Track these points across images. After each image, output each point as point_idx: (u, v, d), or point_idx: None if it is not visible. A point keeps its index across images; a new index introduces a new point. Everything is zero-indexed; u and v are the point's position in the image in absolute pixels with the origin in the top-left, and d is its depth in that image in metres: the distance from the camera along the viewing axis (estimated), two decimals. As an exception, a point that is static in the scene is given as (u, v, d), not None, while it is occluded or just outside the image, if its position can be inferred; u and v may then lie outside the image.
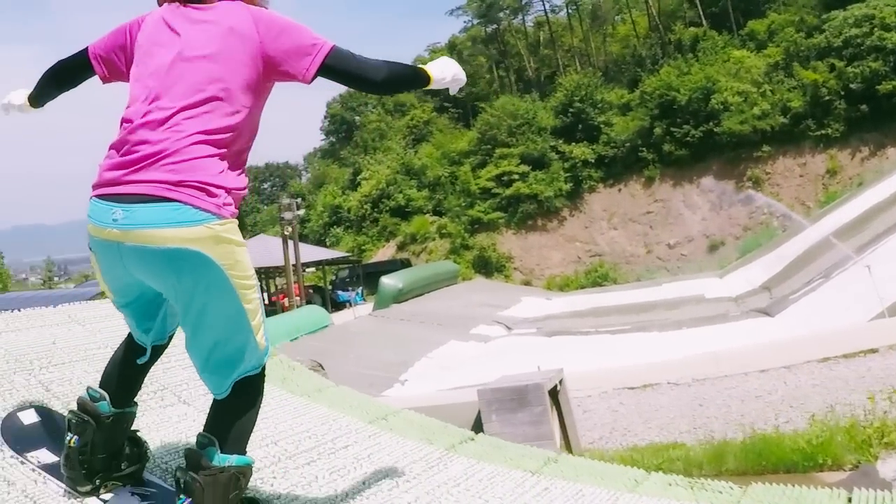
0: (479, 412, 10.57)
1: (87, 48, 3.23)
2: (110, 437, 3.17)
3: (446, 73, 3.14)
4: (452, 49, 79.18)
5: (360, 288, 47.55)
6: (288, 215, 39.64)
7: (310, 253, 45.99)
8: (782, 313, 22.45)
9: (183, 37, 2.91)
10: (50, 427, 3.58)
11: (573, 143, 57.44)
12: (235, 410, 2.95)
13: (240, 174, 2.90)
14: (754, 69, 53.36)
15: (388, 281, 31.99)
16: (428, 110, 74.84)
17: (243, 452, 2.91)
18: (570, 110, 58.17)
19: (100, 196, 2.79)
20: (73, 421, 3.14)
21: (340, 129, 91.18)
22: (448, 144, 64.98)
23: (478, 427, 9.06)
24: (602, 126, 57.40)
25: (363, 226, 64.65)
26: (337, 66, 2.94)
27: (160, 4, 3.08)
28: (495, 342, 24.05)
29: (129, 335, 3.23)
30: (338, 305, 42.32)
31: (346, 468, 3.66)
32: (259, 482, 3.46)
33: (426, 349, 22.38)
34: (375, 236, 63.26)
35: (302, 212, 45.87)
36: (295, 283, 39.52)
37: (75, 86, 3.41)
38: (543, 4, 73.58)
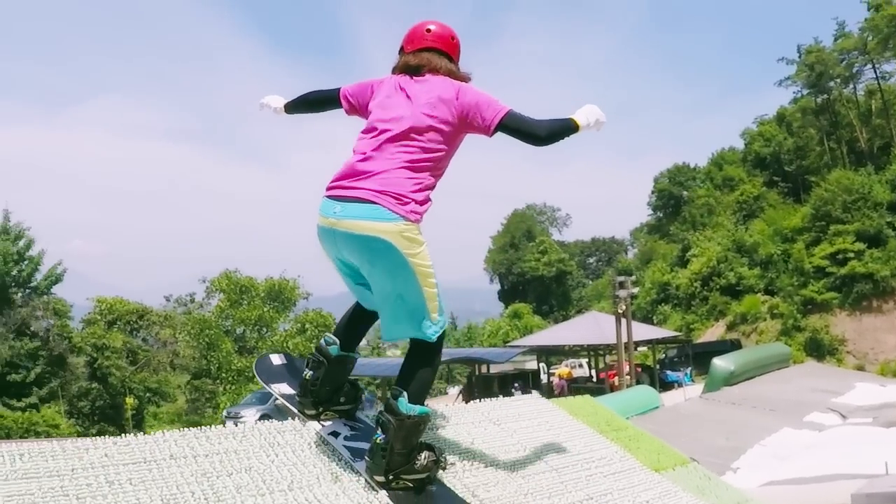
0: (849, 516, 10.43)
1: (339, 88, 4.32)
2: (336, 374, 4.14)
3: (590, 118, 3.91)
4: (781, 121, 77.07)
5: (689, 368, 46.37)
6: (622, 293, 39.02)
7: (638, 331, 44.83)
8: None
9: (405, 97, 3.92)
10: (291, 368, 4.67)
11: (910, 219, 54.31)
12: (416, 370, 3.81)
13: (427, 195, 3.80)
14: None
15: (720, 363, 31.69)
16: (757, 185, 72.76)
17: (423, 404, 3.75)
18: (907, 184, 54.91)
19: (329, 196, 3.80)
20: (311, 359, 4.15)
21: (668, 203, 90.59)
22: (780, 220, 63.06)
23: (847, 531, 9.08)
24: (941, 199, 53.65)
25: (692, 304, 64.02)
26: (511, 124, 3.84)
27: (393, 73, 4.16)
28: (830, 431, 23.70)
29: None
30: (665, 385, 41.64)
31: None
32: None
33: (758, 436, 22.42)
34: (704, 315, 62.40)
35: (636, 290, 45.37)
36: (626, 361, 39.17)
37: (321, 112, 4.54)
38: (874, 71, 69.93)
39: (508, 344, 55.75)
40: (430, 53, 4.08)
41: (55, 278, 51.32)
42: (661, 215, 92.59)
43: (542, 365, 51.12)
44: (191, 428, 3.76)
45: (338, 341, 4.14)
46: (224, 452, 3.61)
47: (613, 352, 41.74)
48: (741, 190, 73.57)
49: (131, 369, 52.81)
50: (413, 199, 3.71)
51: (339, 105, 4.32)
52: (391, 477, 3.70)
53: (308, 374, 4.16)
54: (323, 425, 4.14)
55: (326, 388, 4.14)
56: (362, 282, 3.99)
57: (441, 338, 3.85)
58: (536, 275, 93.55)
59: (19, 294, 49.32)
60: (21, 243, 49.72)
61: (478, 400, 5.13)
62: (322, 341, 4.16)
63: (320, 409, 4.18)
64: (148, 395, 55.51)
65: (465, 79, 4.08)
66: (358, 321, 4.25)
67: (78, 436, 45.06)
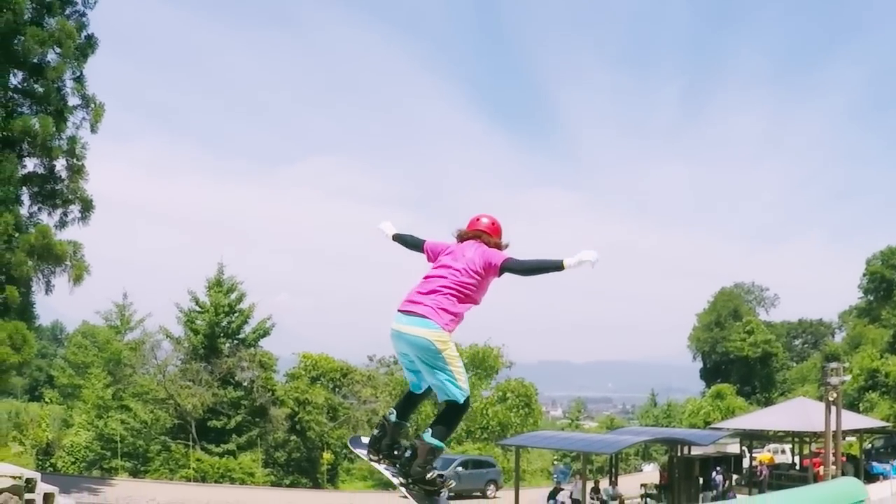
0: None
1: (424, 241, 6.29)
2: (393, 434, 5.99)
3: (575, 258, 5.43)
4: None
5: (896, 460, 44.72)
6: (833, 380, 36.78)
7: (846, 419, 41.69)
8: None
9: (456, 257, 5.81)
10: (368, 442, 6.31)
11: None
12: (444, 419, 5.64)
13: (461, 315, 5.63)
14: None
15: (927, 456, 31.50)
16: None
17: (442, 440, 5.55)
18: None
19: (400, 310, 5.61)
20: (379, 421, 6.08)
21: (880, 287, 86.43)
22: None
23: None
24: None
25: (902, 393, 61.30)
26: (506, 266, 5.67)
27: (456, 240, 6.07)
28: None
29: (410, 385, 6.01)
30: (870, 477, 40.63)
31: None
32: None
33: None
34: (914, 404, 59.49)
35: (848, 377, 43.29)
36: (833, 450, 37.36)
37: (412, 251, 6.37)
38: None
39: (711, 426, 55.62)
40: (479, 232, 6.05)
41: (263, 331, 53.33)
42: (872, 299, 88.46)
43: (743, 448, 50.65)
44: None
45: (395, 411, 6.11)
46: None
47: (820, 439, 40.92)
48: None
49: (330, 425, 53.82)
50: (450, 317, 5.57)
51: (423, 252, 6.30)
52: (410, 481, 5.62)
53: (376, 431, 6.14)
54: (381, 466, 6.07)
55: (386, 443, 6.05)
56: (415, 372, 5.81)
57: (467, 400, 5.62)
58: (741, 355, 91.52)
59: (227, 344, 51.48)
60: (233, 296, 52.26)
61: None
62: (388, 411, 6.10)
63: (381, 456, 6.08)
64: (344, 451, 56.24)
65: (498, 246, 6.01)
66: (411, 400, 6.14)
67: (272, 485, 48.22)
